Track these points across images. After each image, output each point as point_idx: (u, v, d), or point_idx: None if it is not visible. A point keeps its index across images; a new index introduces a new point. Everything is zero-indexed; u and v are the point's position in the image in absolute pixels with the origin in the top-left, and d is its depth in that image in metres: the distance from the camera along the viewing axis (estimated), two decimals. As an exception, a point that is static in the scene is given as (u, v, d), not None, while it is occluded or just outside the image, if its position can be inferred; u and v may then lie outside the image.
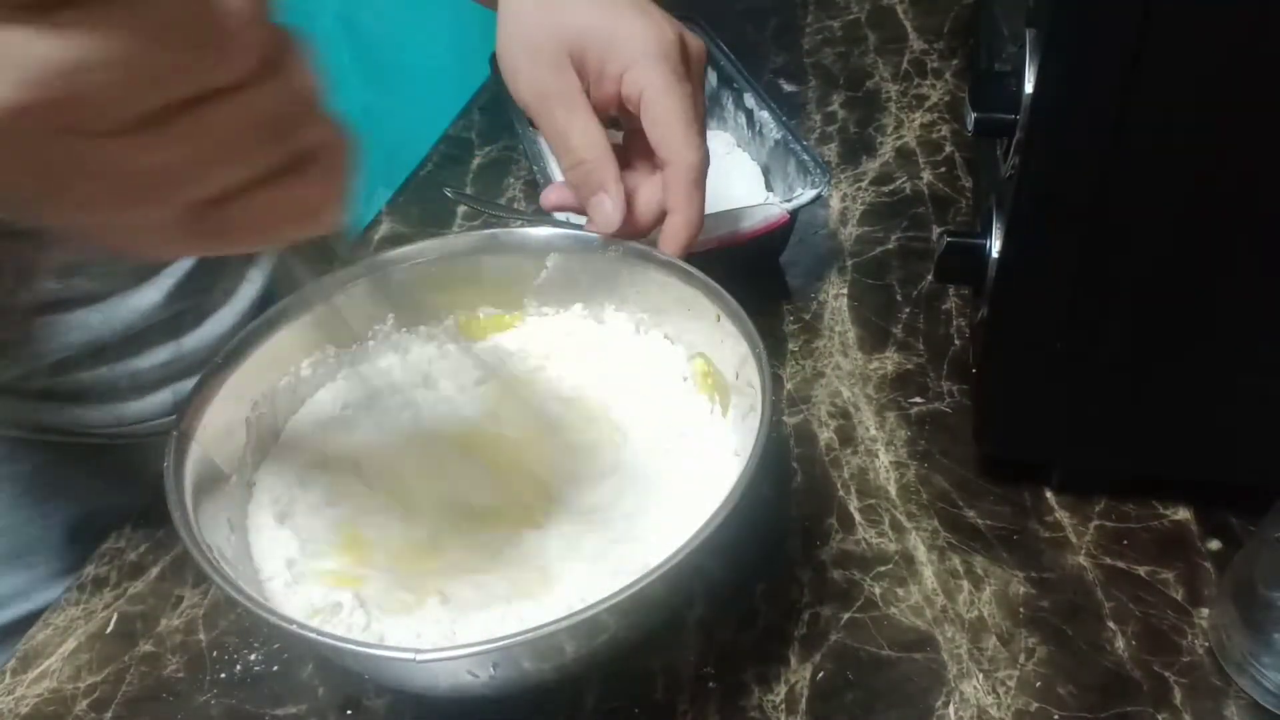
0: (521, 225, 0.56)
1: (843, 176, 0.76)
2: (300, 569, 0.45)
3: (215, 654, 0.49)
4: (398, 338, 0.54)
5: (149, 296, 0.59)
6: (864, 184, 0.75)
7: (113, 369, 0.60)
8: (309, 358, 0.52)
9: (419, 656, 0.36)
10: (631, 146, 0.53)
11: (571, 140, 0.49)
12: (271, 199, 0.30)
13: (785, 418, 0.58)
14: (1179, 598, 0.48)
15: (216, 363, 0.48)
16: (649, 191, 0.51)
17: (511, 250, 0.54)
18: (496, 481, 0.49)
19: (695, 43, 0.51)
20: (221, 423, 0.47)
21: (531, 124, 0.56)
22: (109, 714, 0.47)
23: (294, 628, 0.38)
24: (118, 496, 0.59)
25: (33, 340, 0.56)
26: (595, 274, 0.53)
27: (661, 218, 0.51)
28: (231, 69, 0.27)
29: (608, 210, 0.49)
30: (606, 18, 0.48)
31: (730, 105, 0.74)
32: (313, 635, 0.38)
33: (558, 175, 0.61)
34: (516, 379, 0.53)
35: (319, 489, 0.49)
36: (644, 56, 0.48)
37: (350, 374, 0.53)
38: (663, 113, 0.48)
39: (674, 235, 0.50)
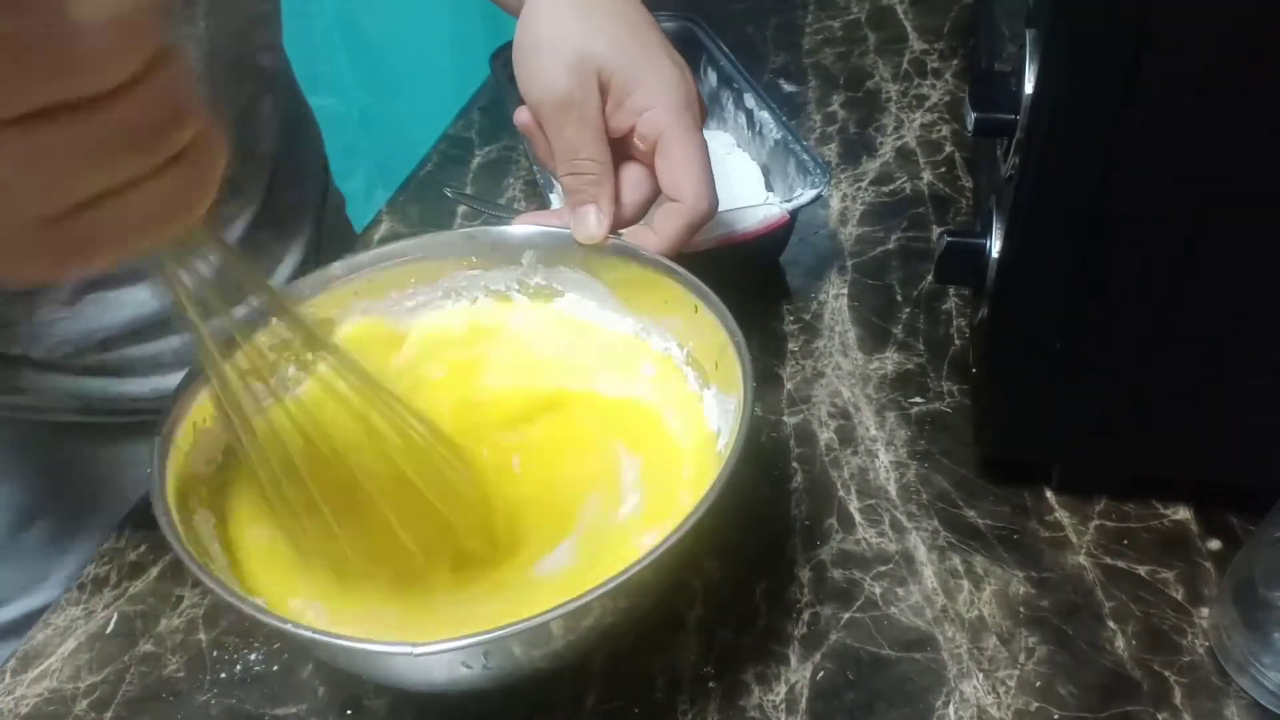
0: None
1: (843, 176, 0.76)
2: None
3: (215, 654, 0.49)
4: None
5: None
6: (864, 184, 0.75)
7: (158, 344, 0.61)
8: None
9: (416, 650, 0.36)
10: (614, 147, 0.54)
11: (580, 153, 0.51)
12: (133, 202, 0.29)
13: (785, 418, 0.58)
14: (1179, 598, 0.48)
15: (195, 370, 0.47)
16: (630, 192, 0.52)
17: (490, 248, 0.54)
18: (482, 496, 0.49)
19: (702, 102, 0.53)
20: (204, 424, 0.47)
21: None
22: (109, 714, 0.47)
23: (289, 627, 0.38)
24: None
25: (81, 318, 0.58)
26: (573, 268, 0.54)
27: (640, 214, 0.53)
28: (90, 81, 0.27)
29: (594, 223, 0.51)
30: (641, 55, 0.50)
31: (730, 105, 0.74)
32: (308, 634, 0.38)
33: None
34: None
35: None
36: (668, 103, 0.50)
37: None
38: (681, 160, 0.50)
39: (650, 248, 0.51)
